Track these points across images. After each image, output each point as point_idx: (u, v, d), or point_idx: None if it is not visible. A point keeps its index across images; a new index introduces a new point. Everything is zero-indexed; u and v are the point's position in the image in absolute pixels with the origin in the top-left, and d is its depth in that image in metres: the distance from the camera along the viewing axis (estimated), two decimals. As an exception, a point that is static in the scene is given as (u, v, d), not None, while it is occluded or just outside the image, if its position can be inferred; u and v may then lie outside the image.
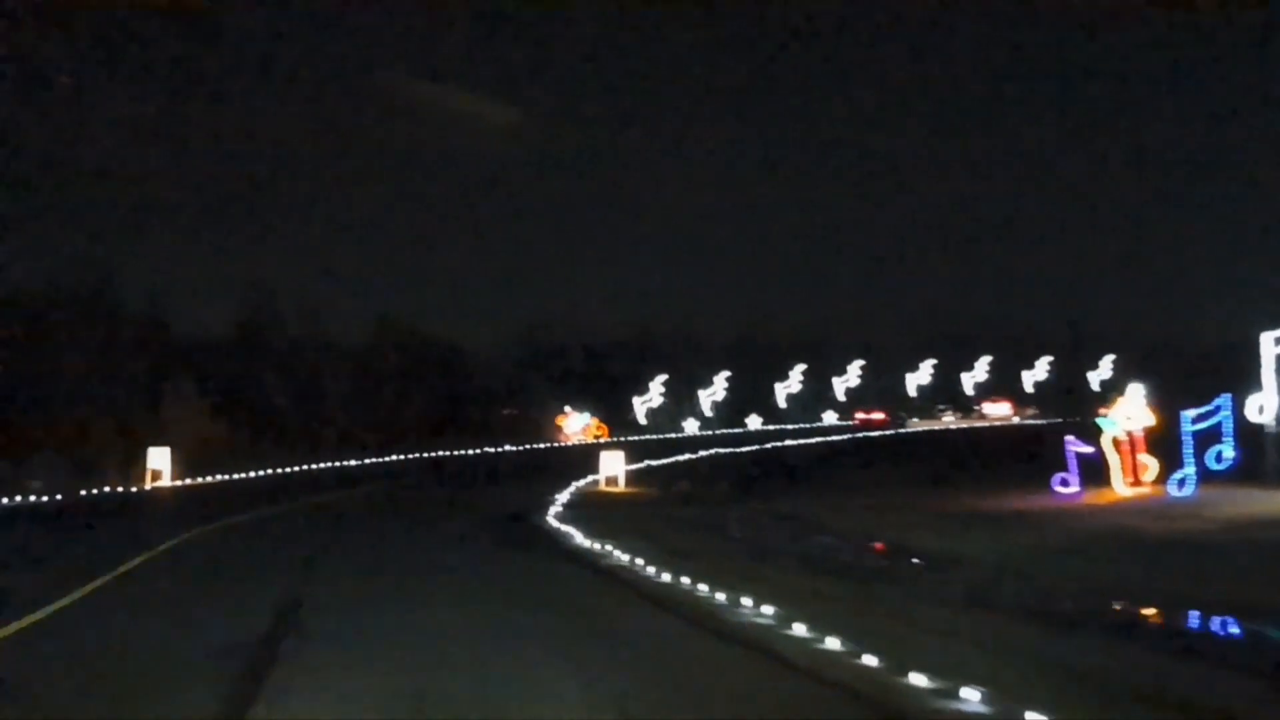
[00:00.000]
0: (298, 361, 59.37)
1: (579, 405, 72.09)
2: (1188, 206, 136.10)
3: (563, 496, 32.45)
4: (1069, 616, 13.08)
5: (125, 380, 43.68)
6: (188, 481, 36.50)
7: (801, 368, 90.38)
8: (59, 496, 29.94)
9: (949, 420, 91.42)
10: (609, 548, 18.79)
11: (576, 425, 71.63)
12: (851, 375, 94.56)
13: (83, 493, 31.43)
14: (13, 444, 38.01)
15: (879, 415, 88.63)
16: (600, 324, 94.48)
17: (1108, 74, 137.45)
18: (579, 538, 21.06)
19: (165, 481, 35.55)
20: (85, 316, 45.02)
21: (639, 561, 16.55)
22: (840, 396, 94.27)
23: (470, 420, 66.20)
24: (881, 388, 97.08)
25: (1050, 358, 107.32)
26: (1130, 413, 29.55)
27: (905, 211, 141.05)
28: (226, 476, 38.96)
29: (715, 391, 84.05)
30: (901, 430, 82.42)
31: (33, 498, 29.43)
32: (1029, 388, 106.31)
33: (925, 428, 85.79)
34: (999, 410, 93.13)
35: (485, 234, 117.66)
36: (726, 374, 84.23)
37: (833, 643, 9.95)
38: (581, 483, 37.22)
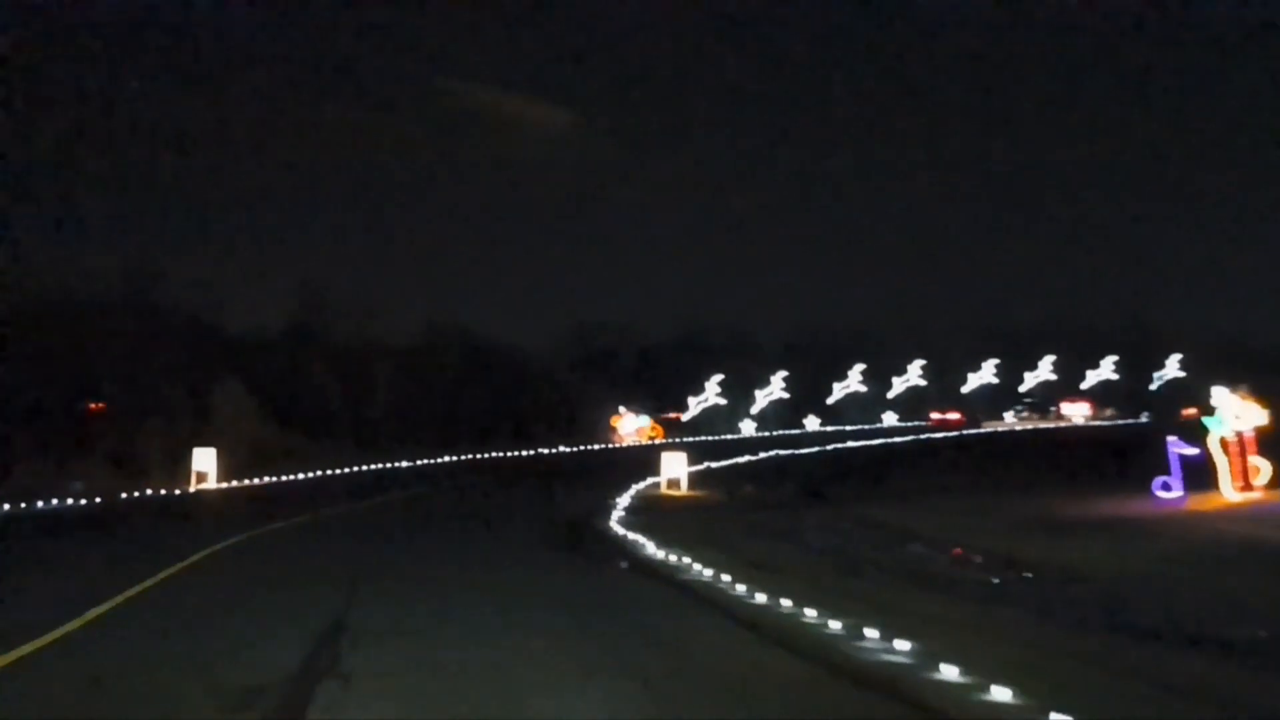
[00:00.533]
0: (349, 361, 58.08)
1: (632, 406, 70.47)
2: (1252, 203, 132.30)
3: (624, 500, 30.73)
4: (1246, 645, 11.08)
5: (173, 380, 42.38)
6: (234, 484, 35.13)
7: (860, 367, 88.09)
8: (97, 499, 28.57)
9: (1026, 421, 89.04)
10: (685, 559, 17.01)
11: (631, 426, 69.96)
12: (912, 374, 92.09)
13: (123, 495, 30.04)
14: (59, 445, 36.89)
15: (955, 415, 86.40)
16: (652, 325, 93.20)
17: (1176, 68, 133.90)
18: (650, 547, 19.28)
19: (210, 484, 34.16)
20: (134, 316, 43.88)
21: (724, 578, 14.74)
22: (899, 396, 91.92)
23: (523, 421, 64.55)
24: (943, 387, 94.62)
25: (1115, 357, 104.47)
26: (1239, 412, 27.25)
27: (960, 209, 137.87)
28: (275, 479, 37.60)
29: (772, 391, 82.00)
30: (973, 431, 79.99)
31: (70, 500, 28.07)
32: (1095, 387, 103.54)
33: (1004, 428, 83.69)
34: (1078, 410, 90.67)
35: (537, 235, 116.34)
36: (784, 374, 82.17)
37: (1001, 693, 8.03)
38: (641, 486, 35.48)
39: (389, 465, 44.55)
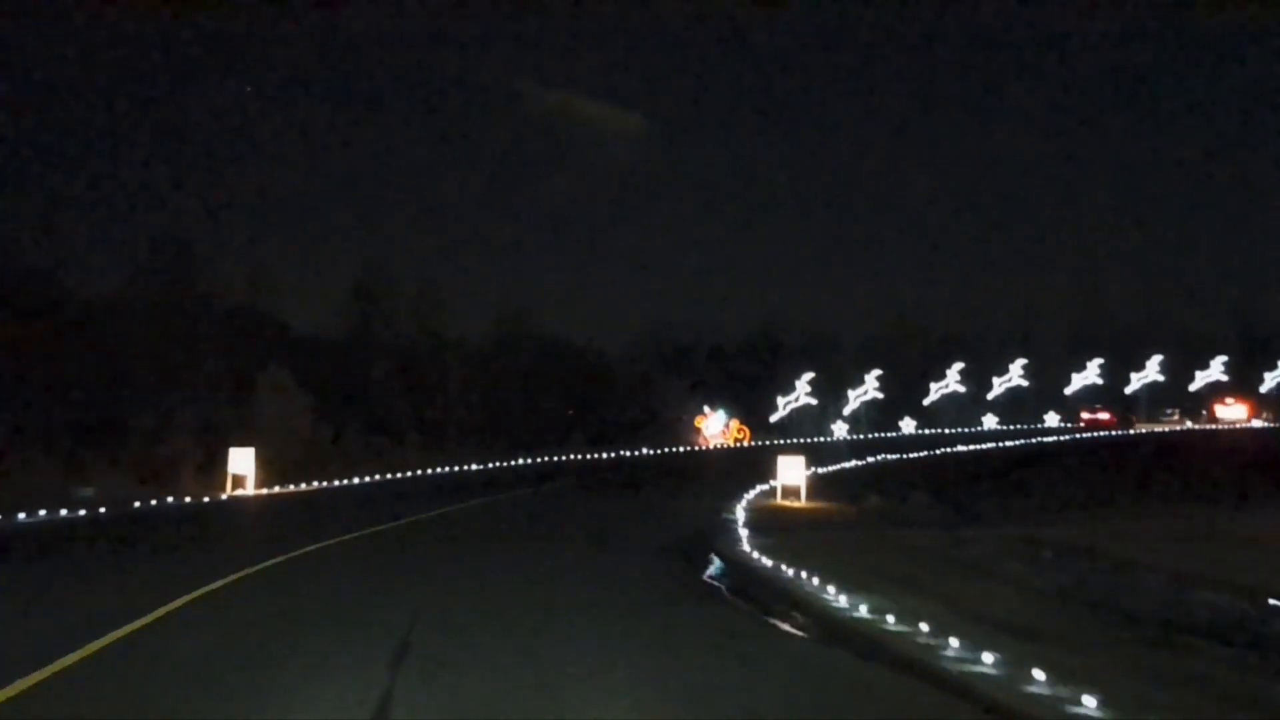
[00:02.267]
0: (415, 360, 53.24)
1: (714, 406, 65.00)
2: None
3: (737, 512, 25.44)
4: None
5: (211, 372, 37.49)
6: (276, 490, 30.21)
7: (959, 366, 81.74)
8: (102, 510, 23.55)
9: (1174, 422, 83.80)
10: (888, 616, 11.56)
11: (716, 427, 64.50)
12: (1014, 374, 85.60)
13: (136, 504, 25.05)
14: (79, 446, 32.12)
15: (1105, 415, 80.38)
16: (729, 324, 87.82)
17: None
18: (819, 589, 13.82)
19: (248, 489, 29.21)
20: (171, 308, 39.10)
21: (986, 659, 9.28)
22: (998, 396, 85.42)
23: (601, 422, 59.31)
24: (1040, 389, 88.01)
25: (1225, 357, 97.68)
26: None
27: (1058, 205, 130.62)
28: (324, 484, 32.64)
29: (866, 391, 76.03)
30: (1126, 433, 74.10)
31: (64, 511, 23.00)
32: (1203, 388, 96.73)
33: (1162, 429, 78.55)
34: (1233, 413, 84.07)
35: (611, 236, 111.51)
36: (878, 372, 76.15)
37: None
38: (751, 494, 30.12)
39: (456, 469, 39.50)
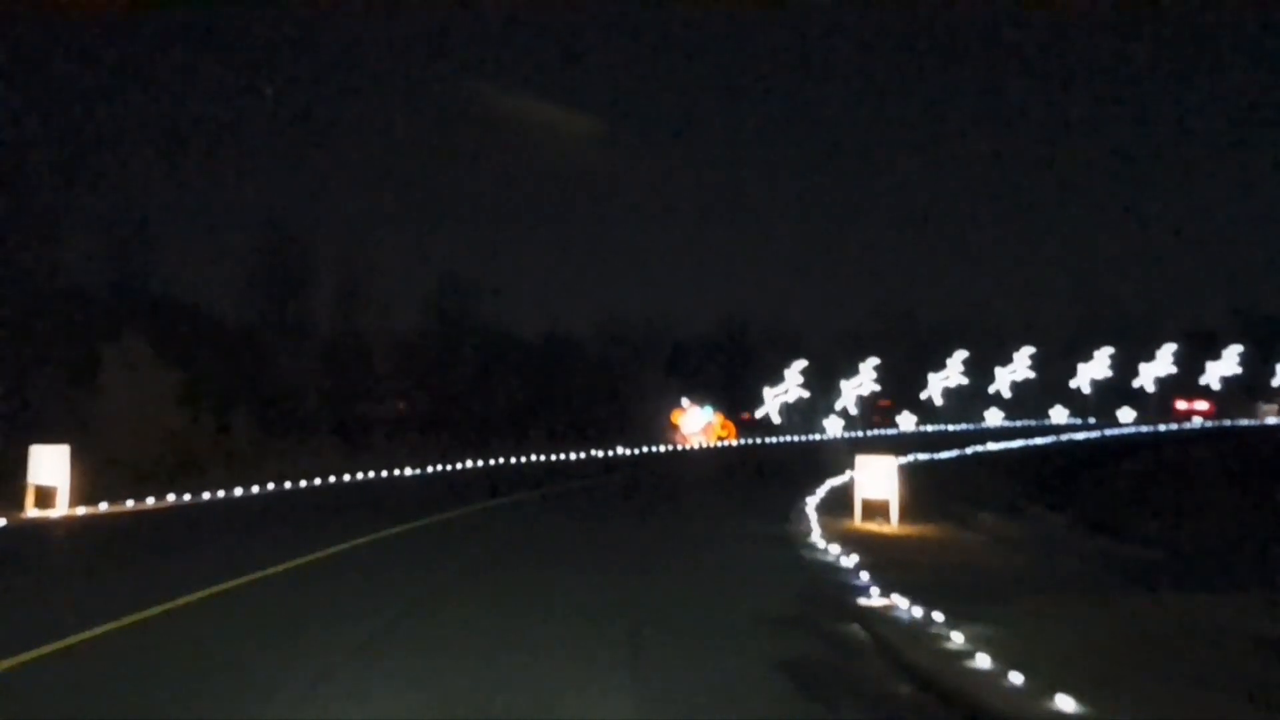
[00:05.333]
0: (337, 348, 43.24)
1: (695, 399, 55.24)
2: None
3: (829, 542, 15.82)
4: None
5: (40, 352, 27.07)
6: (104, 508, 19.99)
7: (962, 355, 72.61)
8: None
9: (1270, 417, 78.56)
10: None
11: (697, 424, 54.76)
12: (1019, 365, 76.76)
13: None
14: None
15: (1203, 405, 73.88)
16: (700, 319, 78.52)
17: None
18: None
19: (58, 508, 19.05)
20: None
21: None
22: (1001, 388, 76.43)
23: (567, 417, 49.36)
24: (1047, 381, 79.31)
25: (1240, 347, 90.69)
26: None
27: (1058, 190, 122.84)
28: (195, 496, 22.40)
29: (861, 383, 66.63)
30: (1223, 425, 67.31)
31: None
32: (1215, 382, 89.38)
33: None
34: None
35: (566, 235, 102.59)
36: (875, 360, 66.75)
37: None
38: (811, 510, 20.52)
39: (387, 474, 29.52)
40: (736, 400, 59.09)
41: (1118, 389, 79.58)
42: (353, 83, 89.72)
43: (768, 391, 61.64)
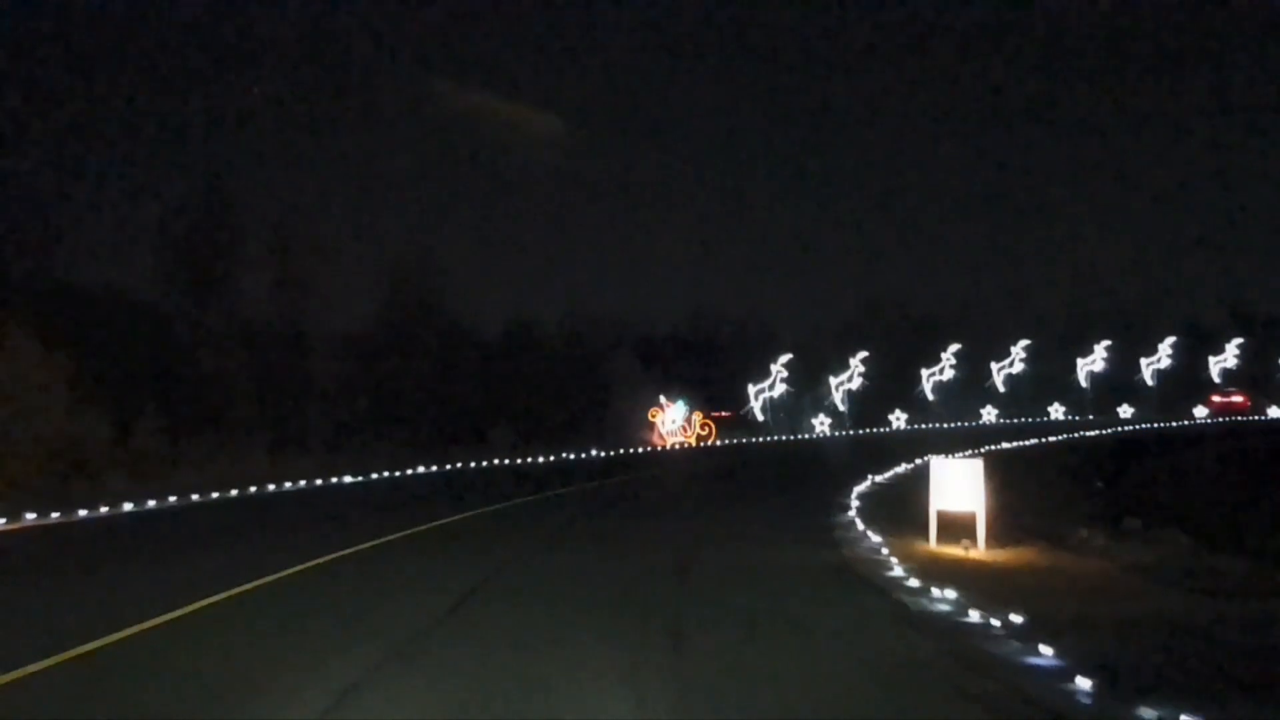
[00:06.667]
0: (270, 340, 37.92)
1: (673, 396, 50.23)
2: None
3: (923, 579, 11.00)
4: None
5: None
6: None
7: (955, 348, 67.92)
8: None
9: None
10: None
11: (676, 422, 49.82)
12: (1015, 359, 72.23)
13: None
14: None
15: (1239, 398, 69.88)
16: (674, 316, 73.50)
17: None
18: None
19: None
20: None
21: None
22: (997, 384, 71.91)
23: (528, 417, 44.21)
24: (1041, 375, 74.86)
25: (1242, 339, 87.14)
26: None
27: (1053, 181, 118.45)
28: (84, 511, 17.32)
29: (850, 377, 61.78)
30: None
31: None
32: (1215, 376, 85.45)
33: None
34: None
35: (532, 232, 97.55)
36: (864, 354, 61.86)
37: None
38: (861, 525, 15.76)
39: (315, 482, 24.45)
40: (715, 398, 54.15)
41: (1117, 384, 75.52)
42: (310, 76, 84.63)
43: (751, 388, 56.69)
